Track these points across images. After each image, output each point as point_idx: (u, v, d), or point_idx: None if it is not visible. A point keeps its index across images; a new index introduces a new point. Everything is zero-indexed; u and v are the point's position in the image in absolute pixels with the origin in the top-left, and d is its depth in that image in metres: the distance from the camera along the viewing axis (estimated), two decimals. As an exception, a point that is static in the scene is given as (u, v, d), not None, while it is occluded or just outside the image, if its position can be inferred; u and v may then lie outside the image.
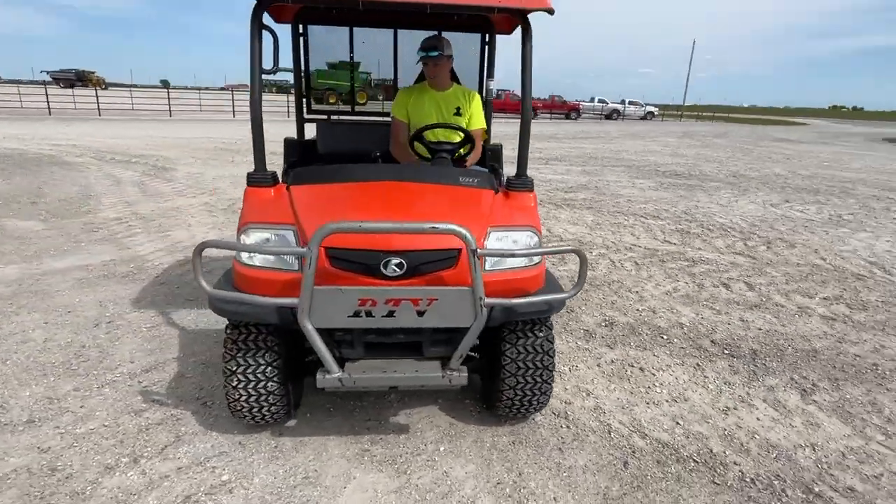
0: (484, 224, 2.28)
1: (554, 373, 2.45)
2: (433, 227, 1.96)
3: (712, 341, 3.59)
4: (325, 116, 3.70)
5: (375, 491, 2.16)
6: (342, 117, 3.77)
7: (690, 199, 8.68)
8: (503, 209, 2.45)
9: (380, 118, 3.77)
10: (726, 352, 3.45)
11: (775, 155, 17.11)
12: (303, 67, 3.46)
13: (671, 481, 2.28)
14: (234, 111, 25.11)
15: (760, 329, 3.80)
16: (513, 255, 2.14)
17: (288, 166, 3.32)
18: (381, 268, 2.07)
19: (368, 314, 2.07)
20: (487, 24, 3.46)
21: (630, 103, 45.78)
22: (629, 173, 11.51)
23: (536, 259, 2.34)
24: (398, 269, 2.07)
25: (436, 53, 3.01)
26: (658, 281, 4.72)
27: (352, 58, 3.69)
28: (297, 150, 3.46)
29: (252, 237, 2.22)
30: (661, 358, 3.33)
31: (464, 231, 1.95)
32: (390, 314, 2.08)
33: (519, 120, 2.56)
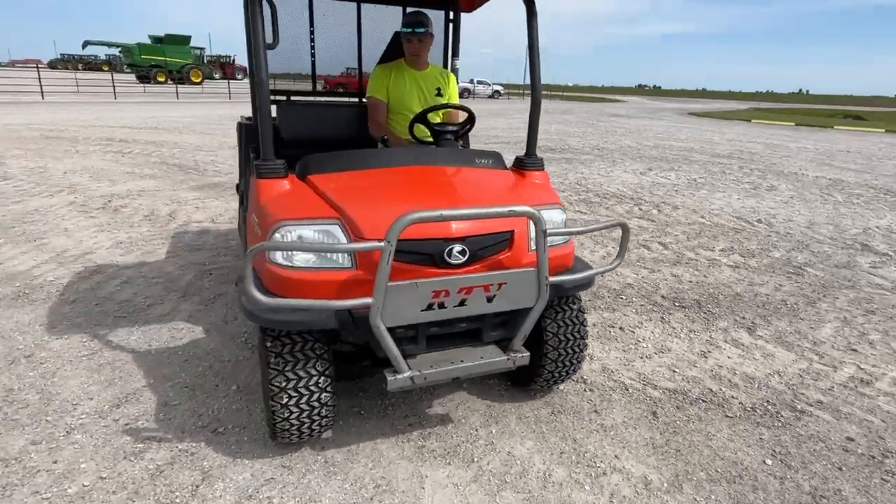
0: (525, 204, 2.29)
1: (587, 340, 2.58)
2: (511, 210, 1.93)
3: (662, 296, 4.04)
4: (283, 97, 3.33)
5: (455, 485, 2.10)
6: (304, 98, 3.43)
7: (575, 172, 9.47)
8: (529, 189, 2.48)
9: (343, 99, 3.52)
10: (676, 304, 3.91)
11: (619, 129, 19.27)
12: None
13: (695, 422, 2.56)
14: (42, 92, 21.11)
15: (691, 281, 4.37)
16: (579, 233, 2.19)
17: (253, 153, 2.95)
18: (446, 256, 1.98)
19: (441, 306, 1.98)
20: (453, 0, 3.38)
21: (478, 82, 47.75)
22: (508, 150, 12.14)
23: (568, 236, 2.42)
24: (461, 257, 2.01)
25: (422, 30, 2.89)
26: (591, 248, 5.13)
27: (312, 31, 3.35)
28: (256, 133, 3.08)
29: (292, 236, 1.96)
30: (631, 317, 3.67)
31: (536, 212, 1.95)
32: (462, 303, 2.01)
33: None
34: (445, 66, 3.57)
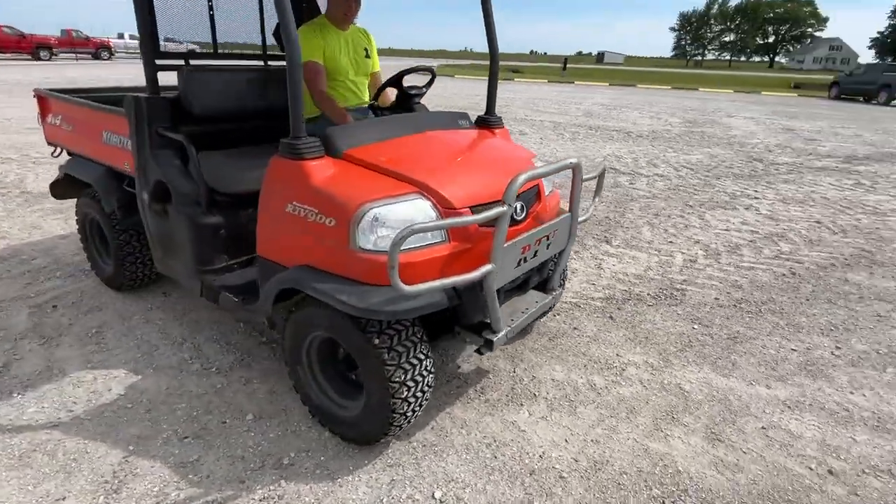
0: (530, 157, 2.52)
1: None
2: (568, 163, 2.15)
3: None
4: (180, 62, 2.62)
5: (542, 419, 2.32)
6: (203, 62, 2.75)
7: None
8: (514, 145, 2.69)
9: (246, 62, 2.95)
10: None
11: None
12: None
13: (637, 315, 3.28)
14: None
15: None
16: (601, 177, 2.52)
17: (165, 131, 2.36)
18: (515, 215, 2.11)
19: (525, 260, 2.11)
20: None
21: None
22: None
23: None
24: (522, 213, 2.17)
25: None
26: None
27: None
28: (164, 110, 2.42)
29: (384, 213, 1.80)
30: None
31: (580, 161, 2.22)
32: (535, 254, 2.18)
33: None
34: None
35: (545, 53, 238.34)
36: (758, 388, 2.59)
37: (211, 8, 2.73)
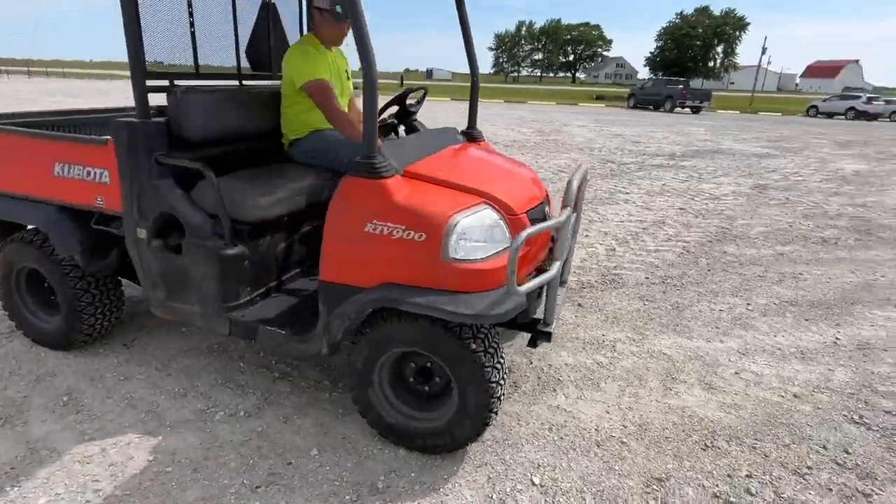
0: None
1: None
2: (585, 168, 2.46)
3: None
4: (164, 82, 2.34)
5: (600, 402, 2.57)
6: (193, 83, 2.46)
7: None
8: (505, 155, 2.93)
9: (226, 82, 2.72)
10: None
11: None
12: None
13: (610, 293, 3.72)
14: None
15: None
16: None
17: (165, 158, 2.16)
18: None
19: None
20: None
21: None
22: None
23: None
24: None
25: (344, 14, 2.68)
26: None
27: (189, 2, 2.40)
28: (161, 136, 2.18)
29: (468, 224, 1.91)
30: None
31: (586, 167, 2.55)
32: None
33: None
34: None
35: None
36: (715, 344, 3.17)
37: (192, 25, 2.49)
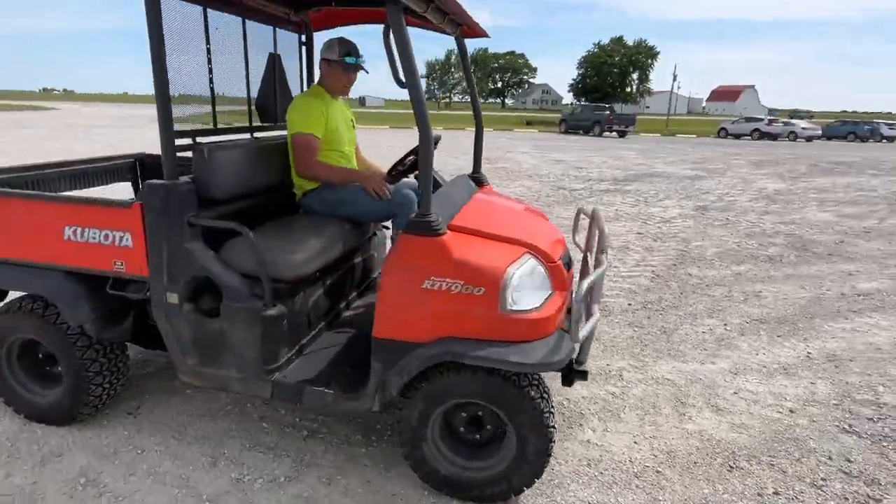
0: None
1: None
2: (595, 210, 2.61)
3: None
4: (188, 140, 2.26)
5: (615, 432, 2.68)
6: (213, 139, 2.38)
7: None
8: (514, 197, 3.06)
9: (242, 135, 2.66)
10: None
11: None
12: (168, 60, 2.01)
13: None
14: None
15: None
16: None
17: (190, 224, 2.10)
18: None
19: None
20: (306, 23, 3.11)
21: None
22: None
23: None
24: None
25: (363, 60, 2.73)
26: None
27: (209, 49, 2.34)
28: (192, 196, 2.12)
29: (521, 275, 1.99)
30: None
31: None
32: None
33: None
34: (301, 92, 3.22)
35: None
36: (708, 366, 3.39)
37: (211, 81, 2.44)
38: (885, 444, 2.64)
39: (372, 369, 2.04)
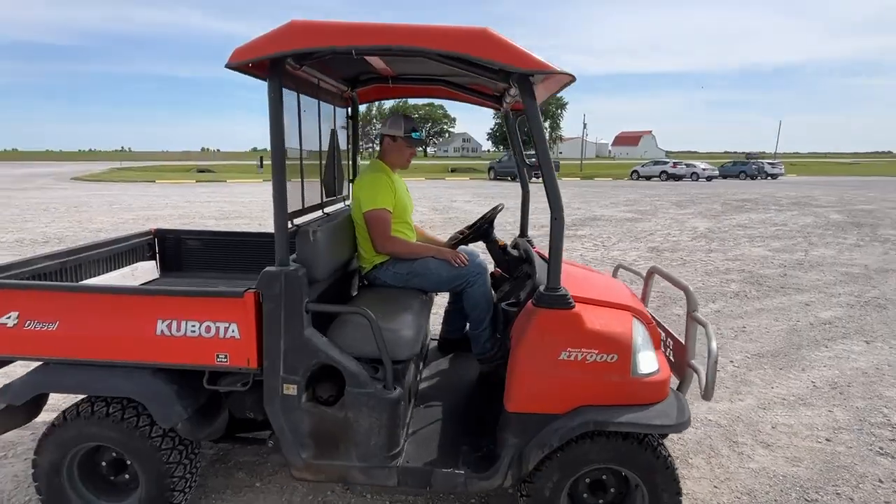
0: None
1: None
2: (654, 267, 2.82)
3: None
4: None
5: (691, 478, 2.78)
6: (304, 221, 2.31)
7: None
8: None
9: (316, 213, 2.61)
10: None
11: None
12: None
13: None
14: None
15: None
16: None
17: (310, 307, 2.07)
18: None
19: None
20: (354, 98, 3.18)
21: None
22: None
23: None
24: None
25: (423, 135, 2.85)
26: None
27: (300, 132, 2.30)
28: (304, 282, 2.08)
29: (640, 342, 2.11)
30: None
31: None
32: None
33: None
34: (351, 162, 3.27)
35: (218, 150, 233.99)
36: (738, 403, 3.64)
37: (301, 161, 2.41)
38: (916, 462, 2.96)
39: (505, 444, 2.04)
